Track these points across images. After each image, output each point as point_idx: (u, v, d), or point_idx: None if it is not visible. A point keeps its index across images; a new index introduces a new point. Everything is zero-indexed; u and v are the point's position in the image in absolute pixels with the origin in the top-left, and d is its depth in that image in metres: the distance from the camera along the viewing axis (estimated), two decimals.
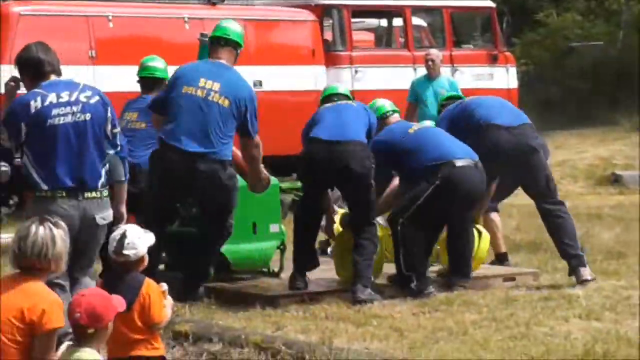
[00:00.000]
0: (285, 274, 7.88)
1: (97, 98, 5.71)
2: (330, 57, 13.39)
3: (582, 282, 7.45)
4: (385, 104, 8.30)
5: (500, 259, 8.65)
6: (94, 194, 5.58)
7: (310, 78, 13.03)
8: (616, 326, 6.21)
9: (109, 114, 5.70)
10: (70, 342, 3.95)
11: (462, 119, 8.28)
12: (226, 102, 7.14)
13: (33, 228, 3.65)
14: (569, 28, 26.25)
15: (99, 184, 5.59)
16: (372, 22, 16.65)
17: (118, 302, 4.05)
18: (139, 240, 4.71)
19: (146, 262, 4.86)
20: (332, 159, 7.47)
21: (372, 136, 7.84)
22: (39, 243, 3.63)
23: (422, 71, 12.89)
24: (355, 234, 7.42)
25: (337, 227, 8.50)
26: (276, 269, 8.06)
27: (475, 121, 8.38)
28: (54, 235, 3.68)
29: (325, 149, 7.54)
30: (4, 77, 11.03)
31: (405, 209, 7.24)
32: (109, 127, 5.67)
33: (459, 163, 7.30)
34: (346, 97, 8.34)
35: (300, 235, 7.85)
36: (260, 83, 12.44)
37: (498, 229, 8.44)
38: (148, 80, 8.47)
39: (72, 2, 12.66)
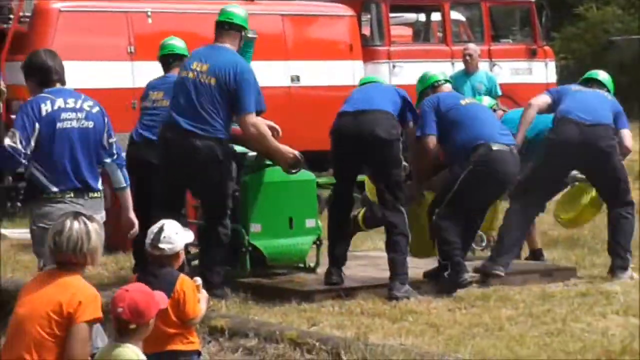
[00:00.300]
0: (322, 269, 7.88)
1: (97, 108, 5.95)
2: (368, 52, 13.41)
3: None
4: (438, 74, 8.32)
5: (536, 255, 8.66)
6: (96, 194, 5.91)
7: (348, 73, 13.01)
8: None
9: (107, 125, 5.94)
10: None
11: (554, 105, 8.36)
12: (213, 81, 7.20)
13: (68, 223, 3.70)
14: (609, 22, 26.16)
15: (99, 186, 5.91)
16: (410, 16, 16.58)
17: (160, 299, 4.11)
18: (176, 235, 4.75)
19: (182, 259, 4.92)
20: (358, 126, 7.51)
21: (406, 116, 7.79)
22: (74, 237, 3.67)
23: (460, 66, 12.92)
24: (386, 222, 7.43)
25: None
26: (312, 264, 8.07)
27: (557, 110, 8.40)
28: (89, 229, 3.72)
29: (351, 119, 7.62)
30: None
31: (441, 200, 7.26)
32: (106, 136, 5.91)
33: (495, 147, 7.29)
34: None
35: (333, 228, 7.88)
36: (297, 78, 12.57)
37: (534, 225, 8.44)
38: (168, 58, 8.56)
39: None
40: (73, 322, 3.60)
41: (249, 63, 8.26)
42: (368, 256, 8.49)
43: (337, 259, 7.80)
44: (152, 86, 8.59)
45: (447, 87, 8.32)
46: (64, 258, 3.69)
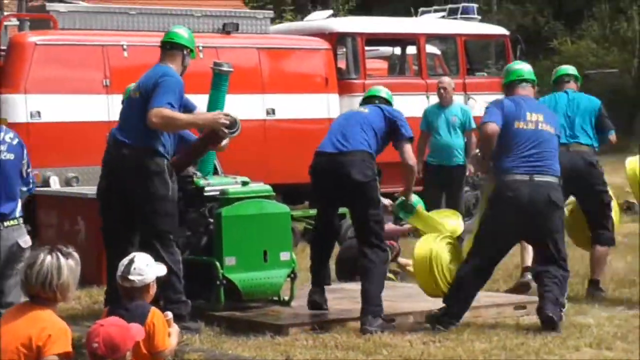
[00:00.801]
0: (296, 303, 7.94)
1: (17, 140, 6.13)
2: (344, 85, 13.45)
3: None
4: (523, 69, 7.83)
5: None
6: (12, 222, 6.02)
7: (323, 106, 13.11)
8: (627, 355, 6.23)
9: (25, 156, 6.14)
10: None
11: None
12: (137, 94, 7.37)
13: (41, 256, 3.68)
14: (583, 55, 26.55)
15: (17, 213, 6.02)
16: (386, 50, 16.66)
17: (137, 331, 4.11)
18: (146, 267, 4.74)
19: (153, 292, 4.89)
20: (334, 169, 7.58)
21: (397, 133, 7.77)
22: (44, 272, 3.66)
23: (435, 99, 12.93)
24: (362, 256, 7.44)
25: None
26: (286, 298, 8.08)
27: None
28: (61, 264, 3.70)
29: (327, 160, 7.66)
30: (20, 106, 11.23)
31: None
32: (25, 167, 6.13)
33: (510, 177, 7.08)
34: (387, 100, 8.33)
35: (316, 253, 7.96)
36: (273, 111, 12.55)
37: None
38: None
39: (88, 32, 12.62)
40: (42, 356, 3.57)
41: (224, 97, 8.34)
42: (344, 289, 8.52)
43: (320, 279, 7.89)
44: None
45: (525, 88, 7.71)
46: (34, 291, 3.66)
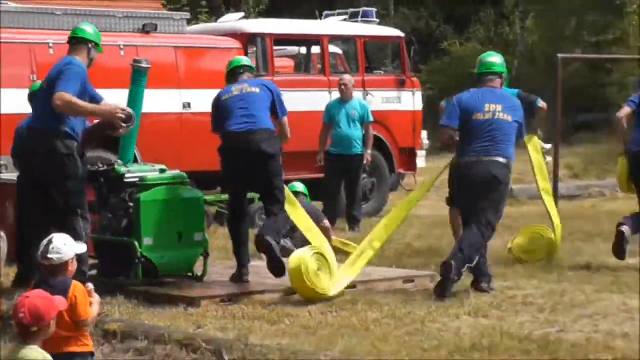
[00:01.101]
0: (208, 278, 8.06)
1: None
2: None
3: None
4: (493, 62, 7.87)
5: None
6: None
7: None
8: (500, 322, 6.40)
9: None
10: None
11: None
12: (45, 84, 7.44)
13: None
14: (470, 56, 26.97)
15: None
16: (293, 49, 16.63)
17: (59, 302, 4.10)
18: (64, 246, 4.74)
19: (73, 268, 4.88)
20: (246, 146, 7.80)
21: (279, 109, 8.12)
22: None
23: (336, 94, 13.06)
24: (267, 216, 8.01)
25: None
26: (199, 274, 8.13)
27: None
28: None
29: (238, 138, 7.84)
30: None
31: None
32: None
33: (463, 159, 7.57)
34: (249, 67, 8.59)
35: (234, 237, 8.14)
36: (189, 105, 12.41)
37: None
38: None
39: (15, 30, 12.24)
40: None
41: (142, 91, 8.39)
42: (251, 266, 8.39)
43: (242, 258, 8.07)
44: None
45: (492, 80, 7.70)
46: None
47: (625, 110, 8.81)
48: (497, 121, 7.44)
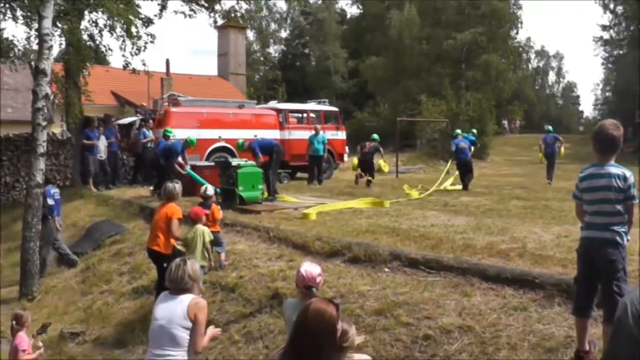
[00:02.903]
0: (258, 206, 14.77)
1: None
2: None
3: None
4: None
5: None
6: None
7: None
8: None
9: None
10: None
11: None
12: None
13: None
14: (363, 120, 53.00)
15: None
16: (297, 114, 27.08)
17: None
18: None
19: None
20: None
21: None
22: None
23: (313, 132, 23.67)
24: None
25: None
26: (261, 202, 15.22)
27: None
28: None
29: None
30: None
31: None
32: None
33: None
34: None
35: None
36: (255, 135, 21.45)
37: None
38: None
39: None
40: None
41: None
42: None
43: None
44: None
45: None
46: None
47: None
48: None
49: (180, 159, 17.29)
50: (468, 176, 20.38)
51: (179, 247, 9.81)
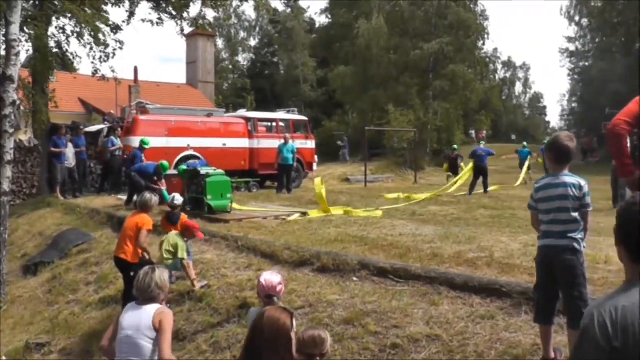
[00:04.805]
0: (232, 215, 15.31)
1: None
2: None
3: None
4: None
5: None
6: None
7: None
8: None
9: None
10: None
11: None
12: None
13: None
14: (332, 129, 52.69)
15: None
16: (266, 123, 26.93)
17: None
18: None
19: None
20: None
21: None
22: None
23: (282, 141, 24.83)
24: None
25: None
26: (230, 211, 15.29)
27: None
28: None
29: None
30: None
31: None
32: None
33: None
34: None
35: None
36: (224, 144, 23.50)
37: None
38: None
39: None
40: None
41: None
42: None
43: None
44: None
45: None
46: None
47: None
48: None
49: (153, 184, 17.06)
50: (485, 181, 23.58)
51: (147, 257, 9.80)
